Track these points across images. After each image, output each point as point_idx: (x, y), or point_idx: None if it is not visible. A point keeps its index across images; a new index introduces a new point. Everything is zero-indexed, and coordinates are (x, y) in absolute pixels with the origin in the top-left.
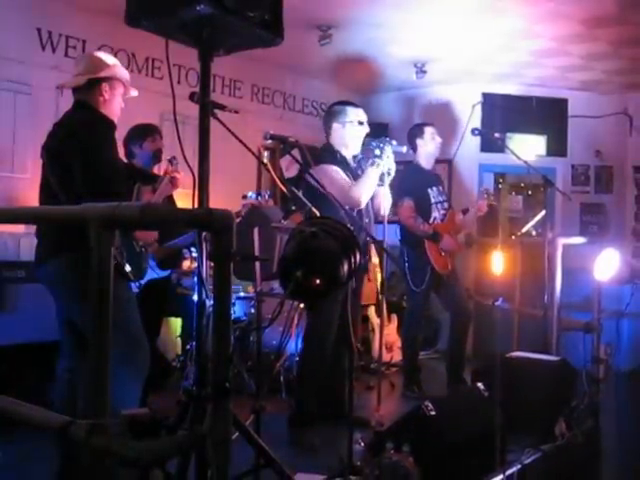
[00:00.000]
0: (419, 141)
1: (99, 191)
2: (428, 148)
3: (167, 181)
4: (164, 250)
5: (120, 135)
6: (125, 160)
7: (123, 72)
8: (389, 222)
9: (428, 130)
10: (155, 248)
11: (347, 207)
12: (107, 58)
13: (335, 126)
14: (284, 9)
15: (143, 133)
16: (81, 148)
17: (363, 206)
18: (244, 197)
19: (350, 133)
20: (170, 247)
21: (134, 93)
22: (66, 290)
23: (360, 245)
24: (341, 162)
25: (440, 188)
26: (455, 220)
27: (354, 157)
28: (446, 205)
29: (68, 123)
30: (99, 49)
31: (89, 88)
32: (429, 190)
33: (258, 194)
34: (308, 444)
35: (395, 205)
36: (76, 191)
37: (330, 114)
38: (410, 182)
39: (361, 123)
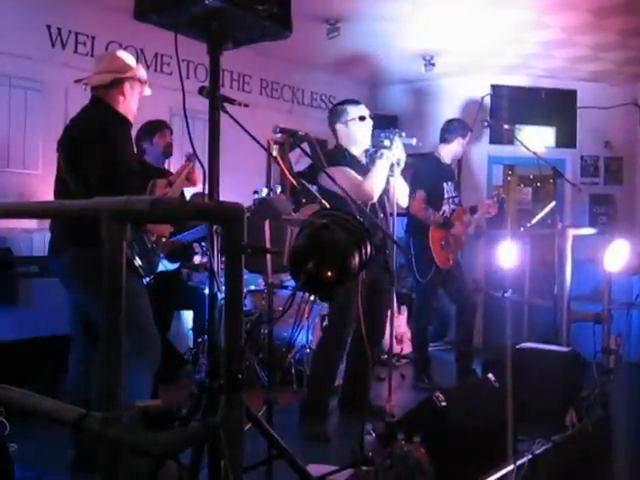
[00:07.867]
0: (459, 139)
1: (114, 191)
2: (459, 149)
3: (184, 177)
4: (171, 245)
5: (132, 132)
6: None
7: (142, 72)
8: (399, 215)
9: (469, 135)
10: (163, 242)
11: (360, 202)
12: (129, 59)
13: (339, 127)
14: (292, 2)
15: (153, 129)
16: (97, 148)
17: (376, 199)
18: (255, 192)
19: (354, 130)
20: (178, 241)
21: (148, 92)
22: (79, 283)
23: (371, 236)
24: (351, 161)
25: (455, 183)
26: (462, 218)
27: (366, 151)
28: (457, 200)
29: (85, 120)
30: (108, 45)
31: (110, 86)
32: (444, 184)
33: (270, 189)
34: (320, 435)
35: (408, 196)
36: (91, 187)
37: (332, 116)
38: (425, 174)
39: (362, 118)
